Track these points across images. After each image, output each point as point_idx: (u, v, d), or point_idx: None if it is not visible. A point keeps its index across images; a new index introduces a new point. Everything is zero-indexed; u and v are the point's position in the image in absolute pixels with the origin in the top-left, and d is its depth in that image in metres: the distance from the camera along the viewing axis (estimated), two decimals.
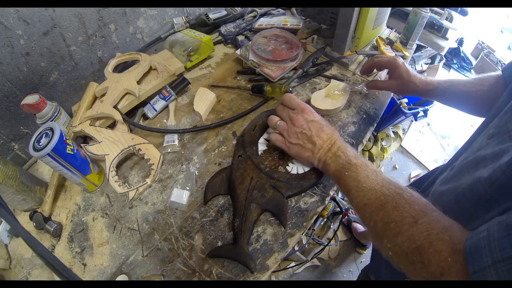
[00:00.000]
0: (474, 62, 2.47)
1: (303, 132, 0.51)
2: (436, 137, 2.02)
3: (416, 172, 1.77)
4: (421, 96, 0.63)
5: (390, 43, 0.89)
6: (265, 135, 0.62)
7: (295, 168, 0.57)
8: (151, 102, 0.74)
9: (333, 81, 0.74)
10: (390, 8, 0.84)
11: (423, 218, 0.33)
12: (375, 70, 0.72)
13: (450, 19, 1.28)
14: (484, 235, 0.27)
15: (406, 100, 1.47)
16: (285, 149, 0.54)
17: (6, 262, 0.56)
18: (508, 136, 0.35)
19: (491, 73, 0.56)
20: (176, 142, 0.65)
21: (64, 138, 0.53)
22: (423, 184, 0.61)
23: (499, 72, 0.53)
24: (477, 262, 0.26)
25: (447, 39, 1.30)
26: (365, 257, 1.42)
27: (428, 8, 0.82)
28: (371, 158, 1.69)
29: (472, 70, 2.46)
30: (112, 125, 0.69)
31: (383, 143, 1.78)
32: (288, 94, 0.56)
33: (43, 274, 0.54)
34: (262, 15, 0.99)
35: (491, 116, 0.43)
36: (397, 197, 0.37)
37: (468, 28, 2.35)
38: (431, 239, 0.30)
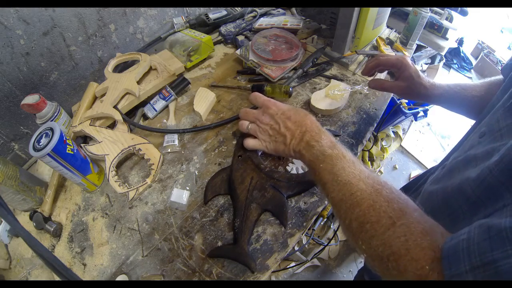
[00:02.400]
0: (474, 62, 2.47)
1: (272, 128, 0.50)
2: (436, 137, 2.02)
3: (416, 172, 1.77)
4: (427, 101, 0.58)
5: (390, 43, 0.89)
6: None
7: (295, 168, 0.57)
8: (151, 102, 0.74)
9: (333, 81, 0.74)
10: (390, 8, 0.84)
11: (401, 220, 0.30)
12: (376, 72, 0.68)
13: (450, 19, 1.28)
14: (463, 238, 0.25)
15: (406, 100, 1.47)
16: (264, 150, 0.53)
17: (6, 262, 0.56)
18: (499, 134, 0.33)
19: (497, 77, 0.53)
20: (176, 142, 0.65)
21: (64, 138, 0.52)
22: (416, 183, 0.60)
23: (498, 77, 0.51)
24: (454, 267, 0.24)
25: (447, 39, 1.30)
26: None
27: (428, 8, 0.82)
28: (371, 158, 1.69)
29: (472, 70, 2.46)
30: (112, 125, 0.69)
31: (383, 143, 1.78)
32: (254, 94, 0.56)
33: (43, 274, 0.54)
34: (262, 15, 0.99)
35: (484, 114, 0.41)
36: (375, 193, 0.34)
37: (468, 28, 2.35)
38: (408, 246, 0.28)
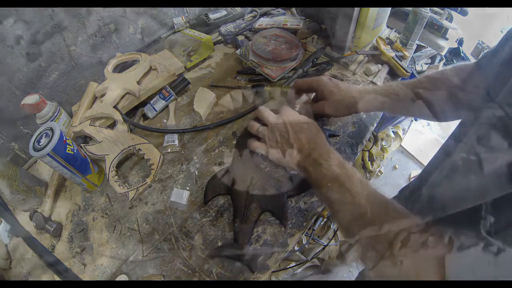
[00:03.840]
0: None
1: (282, 135, 0.48)
2: (436, 137, 2.02)
3: (416, 172, 1.77)
4: (361, 110, 0.56)
5: (390, 43, 0.89)
6: None
7: None
8: (151, 102, 0.74)
9: None
10: (390, 8, 0.84)
11: (409, 240, 0.32)
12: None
13: (450, 19, 1.28)
14: (470, 253, 0.26)
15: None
16: (267, 155, 0.51)
17: (6, 262, 0.56)
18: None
19: (428, 74, 0.52)
20: (176, 142, 0.65)
21: (64, 138, 0.52)
22: (414, 185, 0.59)
23: (469, 63, 0.49)
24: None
25: (447, 39, 1.30)
26: None
27: (428, 8, 0.82)
28: (371, 158, 1.69)
29: None
30: (112, 125, 0.69)
31: (383, 143, 1.77)
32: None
33: (43, 274, 0.54)
34: (262, 15, 0.99)
35: (476, 111, 0.40)
36: (383, 213, 0.36)
37: (468, 28, 2.35)
38: (418, 268, 0.30)
